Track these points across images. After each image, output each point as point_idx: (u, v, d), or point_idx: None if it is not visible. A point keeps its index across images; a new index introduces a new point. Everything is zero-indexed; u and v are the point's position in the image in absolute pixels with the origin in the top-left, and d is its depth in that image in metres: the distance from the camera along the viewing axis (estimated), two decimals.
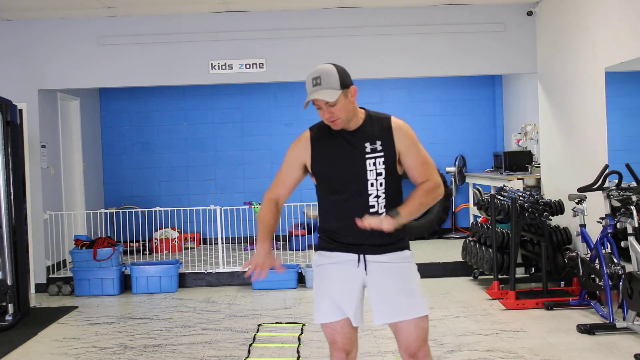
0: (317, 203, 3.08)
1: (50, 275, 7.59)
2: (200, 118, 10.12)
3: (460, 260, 7.45)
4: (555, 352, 4.66)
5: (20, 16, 7.47)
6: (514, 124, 9.56)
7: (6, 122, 6.06)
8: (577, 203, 5.69)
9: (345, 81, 2.84)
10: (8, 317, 5.90)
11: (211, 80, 7.73)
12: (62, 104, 8.36)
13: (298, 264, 7.45)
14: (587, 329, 5.03)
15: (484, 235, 6.81)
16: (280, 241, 9.50)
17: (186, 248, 9.65)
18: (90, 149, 9.44)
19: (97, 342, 5.34)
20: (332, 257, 2.98)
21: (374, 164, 2.89)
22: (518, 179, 7.87)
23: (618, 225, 5.21)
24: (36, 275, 7.53)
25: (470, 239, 7.26)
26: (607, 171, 5.40)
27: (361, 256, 2.93)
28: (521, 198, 6.40)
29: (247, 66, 7.60)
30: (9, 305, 5.94)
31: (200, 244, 9.89)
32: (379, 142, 2.90)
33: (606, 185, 5.39)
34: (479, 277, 7.21)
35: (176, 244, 9.38)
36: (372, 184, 2.89)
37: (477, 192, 8.72)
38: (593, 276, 5.40)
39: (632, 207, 5.00)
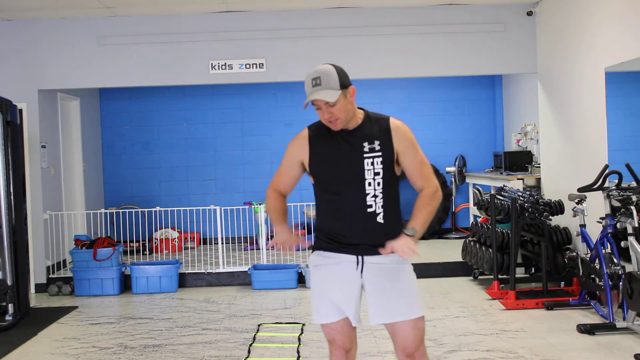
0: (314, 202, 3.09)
1: (50, 275, 7.59)
2: (200, 118, 10.13)
3: (460, 260, 7.45)
4: (555, 352, 4.66)
5: (20, 16, 7.47)
6: (514, 124, 9.56)
7: (6, 122, 6.06)
8: (577, 203, 5.69)
9: (344, 81, 2.85)
10: (8, 317, 5.90)
11: (211, 80, 7.73)
12: (62, 104, 8.36)
13: (298, 264, 7.45)
14: (587, 329, 5.03)
15: (484, 235, 6.81)
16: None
17: (186, 248, 9.66)
18: (90, 149, 9.44)
19: (97, 342, 5.34)
20: (330, 258, 2.98)
21: (372, 163, 2.89)
22: (518, 179, 7.87)
23: (618, 225, 5.21)
24: (36, 275, 7.53)
25: (470, 239, 7.26)
26: (607, 171, 5.40)
27: (359, 257, 2.94)
28: (521, 198, 6.40)
29: (247, 66, 7.60)
30: (9, 305, 5.94)
31: (200, 244, 9.90)
32: (377, 142, 2.91)
33: (606, 185, 5.39)
34: (479, 277, 7.21)
35: (176, 244, 9.38)
36: (369, 184, 2.90)
37: (477, 192, 8.72)
38: (593, 276, 5.40)
39: (632, 207, 5.00)
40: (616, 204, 5.30)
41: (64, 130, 8.35)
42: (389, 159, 2.91)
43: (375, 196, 2.90)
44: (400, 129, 2.95)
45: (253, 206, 8.48)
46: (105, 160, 10.11)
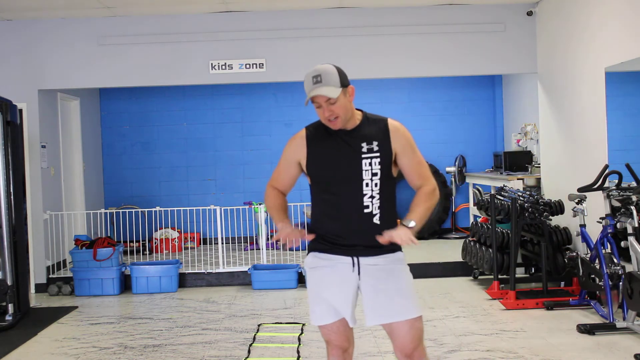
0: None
1: (50, 275, 7.59)
2: (200, 118, 10.13)
3: (460, 260, 7.45)
4: (555, 352, 4.66)
5: (20, 16, 7.47)
6: (514, 124, 9.56)
7: (6, 122, 6.06)
8: (577, 203, 5.69)
9: (344, 80, 2.87)
10: (8, 317, 5.90)
11: (211, 80, 7.73)
12: (62, 104, 8.36)
13: (298, 264, 7.45)
14: (587, 329, 5.03)
15: (484, 235, 6.81)
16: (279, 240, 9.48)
17: (186, 248, 9.66)
18: (90, 149, 9.44)
19: (97, 342, 5.34)
20: (326, 260, 2.97)
21: (370, 164, 2.90)
22: (518, 179, 7.87)
23: (618, 225, 5.21)
24: (36, 275, 7.53)
25: (470, 239, 7.26)
26: (607, 171, 5.40)
27: (355, 259, 2.93)
28: (521, 198, 6.40)
29: (247, 66, 7.60)
30: (9, 305, 5.94)
31: (200, 244, 9.90)
32: (375, 143, 2.91)
33: (606, 185, 5.39)
34: (479, 277, 7.21)
35: (176, 244, 9.38)
36: (367, 184, 2.90)
37: (477, 192, 8.72)
38: (593, 276, 5.40)
39: (632, 207, 5.00)
40: (616, 204, 5.30)
41: (64, 130, 8.35)
42: (387, 160, 2.92)
43: (372, 197, 2.90)
44: (399, 130, 2.96)
45: (253, 206, 8.48)
46: (105, 160, 10.11)
